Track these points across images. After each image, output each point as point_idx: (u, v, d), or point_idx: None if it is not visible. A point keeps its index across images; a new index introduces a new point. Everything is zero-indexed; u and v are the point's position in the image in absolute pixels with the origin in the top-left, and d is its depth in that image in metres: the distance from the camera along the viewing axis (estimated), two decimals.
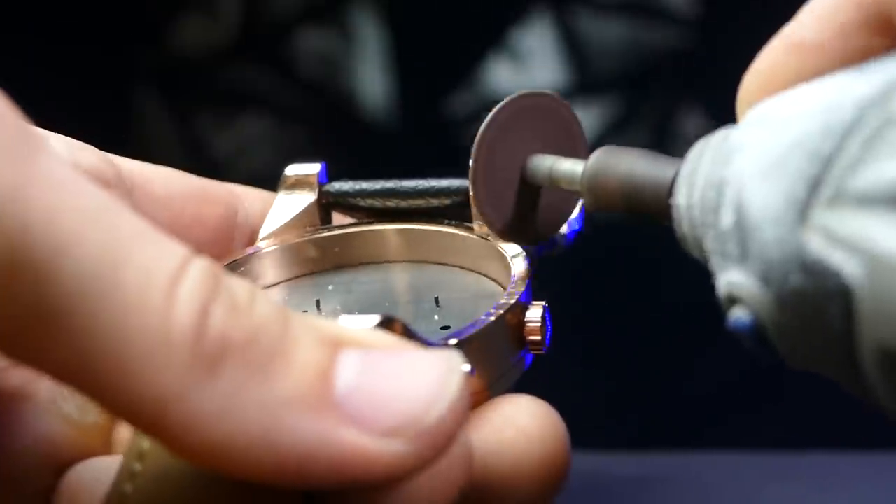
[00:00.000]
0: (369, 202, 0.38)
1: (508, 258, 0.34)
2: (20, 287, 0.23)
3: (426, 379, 0.26)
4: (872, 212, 0.23)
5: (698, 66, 0.89)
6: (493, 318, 0.32)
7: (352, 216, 0.39)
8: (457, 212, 0.37)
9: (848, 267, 0.23)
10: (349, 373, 0.26)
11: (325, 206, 0.39)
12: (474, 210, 0.35)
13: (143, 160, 0.38)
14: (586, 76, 0.91)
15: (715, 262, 0.27)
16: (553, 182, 0.34)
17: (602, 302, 0.81)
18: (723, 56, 0.89)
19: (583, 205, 0.36)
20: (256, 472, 0.25)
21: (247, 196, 0.39)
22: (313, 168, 0.39)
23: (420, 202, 0.37)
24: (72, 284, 0.24)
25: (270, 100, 0.92)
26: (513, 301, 0.33)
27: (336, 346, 0.26)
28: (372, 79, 0.92)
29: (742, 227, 0.26)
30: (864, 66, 0.26)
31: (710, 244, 0.27)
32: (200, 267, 0.25)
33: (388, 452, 0.25)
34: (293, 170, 0.39)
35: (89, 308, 0.24)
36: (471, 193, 0.34)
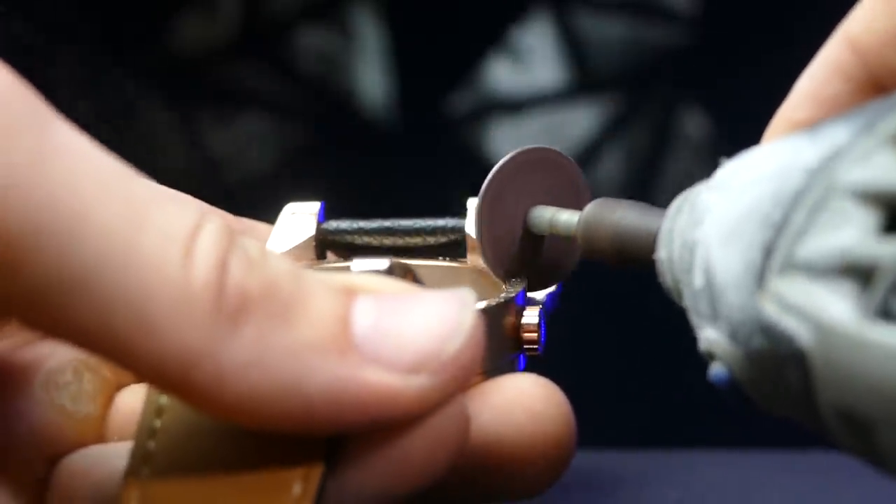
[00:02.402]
0: (366, 240, 0.39)
1: (503, 288, 0.35)
2: (43, 253, 0.24)
3: (441, 314, 0.27)
4: (818, 281, 0.24)
5: (699, 64, 0.89)
6: (493, 303, 0.32)
7: (346, 258, 0.39)
8: (451, 250, 0.38)
9: (799, 333, 0.24)
10: (365, 316, 0.26)
11: (322, 243, 0.39)
12: (482, 256, 0.36)
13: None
14: (586, 75, 0.91)
15: (692, 318, 0.28)
16: (553, 232, 0.35)
17: (603, 298, 0.81)
18: (723, 55, 0.89)
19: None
20: (284, 422, 0.25)
21: (255, 229, 0.39)
22: (312, 207, 0.40)
23: (416, 240, 0.38)
24: (94, 248, 0.24)
25: (270, 98, 0.92)
26: (512, 295, 0.33)
27: (349, 293, 0.27)
28: (372, 77, 0.92)
29: (711, 289, 0.27)
30: (816, 128, 0.27)
31: (687, 302, 0.28)
32: (215, 224, 0.26)
33: (412, 387, 0.26)
34: (292, 207, 0.40)
35: (111, 270, 0.24)
36: (476, 241, 0.35)
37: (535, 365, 0.34)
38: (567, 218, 0.34)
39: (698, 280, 0.27)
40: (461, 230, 0.37)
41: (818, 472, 0.52)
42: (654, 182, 0.90)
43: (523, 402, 0.30)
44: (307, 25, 0.93)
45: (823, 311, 0.24)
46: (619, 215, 0.32)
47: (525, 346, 0.33)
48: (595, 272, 0.79)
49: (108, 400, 0.32)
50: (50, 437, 0.31)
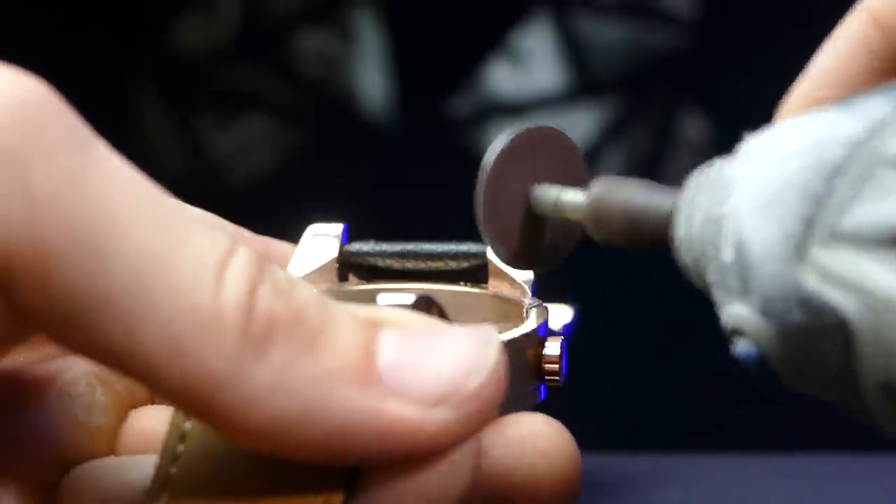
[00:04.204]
0: (388, 262, 0.39)
1: (524, 313, 0.35)
2: (75, 271, 0.24)
3: (463, 350, 0.27)
4: (865, 251, 0.24)
5: (698, 67, 0.89)
6: (517, 335, 0.32)
7: (368, 280, 0.39)
8: (473, 275, 0.37)
9: (844, 304, 0.24)
10: (389, 349, 0.26)
11: (344, 265, 0.39)
12: (483, 236, 0.35)
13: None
14: (586, 77, 0.91)
15: (717, 295, 0.28)
16: (558, 212, 0.34)
17: (604, 300, 0.81)
18: (723, 58, 0.89)
19: (574, 312, 0.37)
20: (306, 450, 0.26)
21: (272, 246, 0.39)
22: (335, 229, 0.40)
23: (438, 264, 0.38)
24: (126, 269, 0.25)
25: (270, 100, 0.92)
26: (534, 327, 0.33)
27: (374, 325, 0.27)
28: (372, 79, 0.92)
29: (742, 263, 0.26)
30: (849, 101, 0.27)
31: (711, 277, 0.28)
32: (246, 253, 0.26)
33: (434, 420, 0.26)
34: (315, 229, 0.40)
35: (142, 292, 0.25)
36: (478, 221, 0.35)
37: None
38: (573, 198, 0.33)
39: (727, 254, 0.27)
40: (483, 255, 0.37)
41: (818, 475, 0.52)
42: None
43: (534, 441, 0.30)
44: (307, 28, 0.93)
45: (872, 281, 0.24)
46: (629, 193, 0.31)
47: (546, 378, 0.33)
48: (600, 273, 0.79)
49: (121, 415, 0.33)
50: (62, 444, 0.31)
